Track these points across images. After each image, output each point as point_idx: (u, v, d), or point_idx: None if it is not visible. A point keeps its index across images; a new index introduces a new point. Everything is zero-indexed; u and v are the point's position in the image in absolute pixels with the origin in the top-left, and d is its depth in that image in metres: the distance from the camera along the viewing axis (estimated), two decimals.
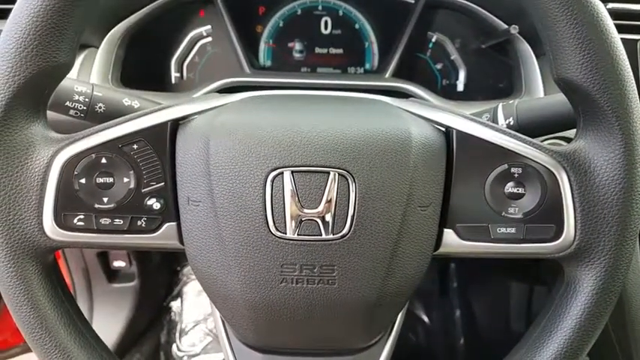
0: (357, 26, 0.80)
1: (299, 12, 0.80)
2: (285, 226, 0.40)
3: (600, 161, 0.40)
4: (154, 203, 0.43)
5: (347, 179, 0.39)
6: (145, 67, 0.77)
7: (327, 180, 0.39)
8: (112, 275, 1.11)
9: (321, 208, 0.39)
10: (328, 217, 0.39)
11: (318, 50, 0.81)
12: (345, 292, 0.40)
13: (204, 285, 0.44)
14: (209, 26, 0.79)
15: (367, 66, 0.80)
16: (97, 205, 0.42)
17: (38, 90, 0.41)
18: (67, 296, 0.45)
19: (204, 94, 0.50)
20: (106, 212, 0.42)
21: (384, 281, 0.41)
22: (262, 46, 0.81)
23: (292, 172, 0.39)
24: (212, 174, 0.40)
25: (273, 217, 0.39)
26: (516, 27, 0.65)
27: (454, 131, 0.42)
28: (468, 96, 0.77)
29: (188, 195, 0.42)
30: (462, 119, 0.43)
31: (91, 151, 0.42)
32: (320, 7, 0.80)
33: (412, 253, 0.41)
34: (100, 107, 0.53)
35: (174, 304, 1.31)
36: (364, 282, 0.40)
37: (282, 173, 0.39)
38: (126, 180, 0.42)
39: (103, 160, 0.42)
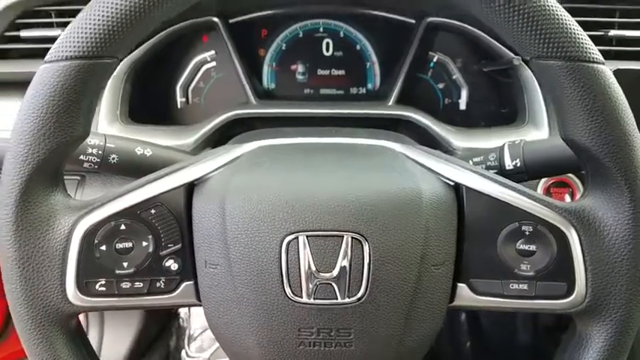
0: (358, 47, 0.81)
1: (301, 34, 0.81)
2: (302, 290, 0.41)
3: (609, 220, 0.41)
4: (172, 264, 0.44)
5: (361, 242, 0.40)
6: (151, 95, 0.78)
7: (342, 243, 0.40)
8: None
9: (336, 271, 0.40)
10: (343, 281, 0.40)
11: (320, 72, 0.82)
12: (363, 354, 0.41)
13: (222, 344, 0.45)
14: (213, 51, 0.79)
15: (369, 86, 0.81)
16: (117, 271, 0.43)
17: (56, 163, 0.42)
18: (92, 357, 0.46)
19: (219, 148, 0.51)
20: (127, 277, 0.43)
21: (400, 341, 0.42)
22: (265, 69, 0.82)
23: (307, 236, 0.40)
24: (228, 238, 0.42)
25: (289, 282, 0.41)
26: (519, 58, 0.66)
27: (464, 188, 0.43)
28: (470, 117, 0.78)
29: (205, 258, 0.43)
30: (471, 174, 0.44)
31: (110, 219, 0.43)
32: (321, 29, 0.81)
33: (427, 311, 0.42)
34: (113, 158, 0.54)
35: (182, 311, 1.33)
36: (381, 343, 0.41)
37: (297, 238, 0.40)
38: (145, 244, 0.43)
39: (122, 227, 0.43)
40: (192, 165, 0.46)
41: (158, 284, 0.44)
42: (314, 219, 0.41)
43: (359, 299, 0.41)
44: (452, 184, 0.44)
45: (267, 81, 0.82)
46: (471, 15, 0.39)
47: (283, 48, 0.81)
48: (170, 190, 0.44)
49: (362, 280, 0.40)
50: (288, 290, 0.41)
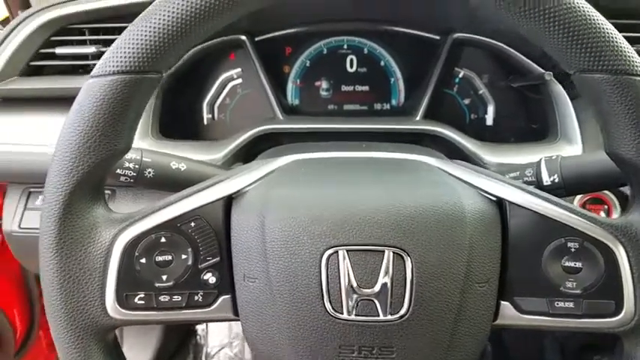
0: (382, 63, 0.81)
1: (325, 51, 0.82)
2: (342, 305, 0.40)
3: None
4: (210, 278, 0.44)
5: (403, 258, 0.40)
6: (178, 111, 0.79)
7: (383, 258, 0.40)
8: None
9: (377, 287, 0.40)
10: (385, 297, 0.40)
11: (344, 88, 0.82)
12: None
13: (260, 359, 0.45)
14: (239, 69, 0.81)
15: (393, 102, 0.82)
16: (157, 284, 0.43)
17: (99, 176, 0.42)
18: None
19: (255, 162, 0.51)
20: (166, 290, 0.43)
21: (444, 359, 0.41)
22: (290, 86, 0.83)
23: (347, 250, 0.40)
24: (268, 252, 0.42)
25: (329, 297, 0.40)
26: (551, 74, 0.66)
27: (507, 203, 0.43)
28: (498, 132, 0.78)
29: (244, 271, 0.43)
30: (513, 189, 0.43)
31: (151, 232, 0.43)
32: (345, 46, 0.82)
33: (471, 330, 0.42)
34: (149, 172, 0.54)
35: (200, 328, 1.33)
36: None
37: (337, 252, 0.40)
38: (184, 257, 0.44)
39: (163, 240, 0.43)
40: (230, 178, 0.46)
41: (196, 298, 0.44)
42: (354, 233, 0.40)
43: (402, 317, 0.40)
44: (494, 199, 0.44)
45: (292, 97, 0.83)
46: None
47: (307, 65, 0.82)
48: (209, 203, 0.44)
49: (404, 297, 0.40)
50: (328, 306, 0.40)
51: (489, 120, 0.79)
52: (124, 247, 0.43)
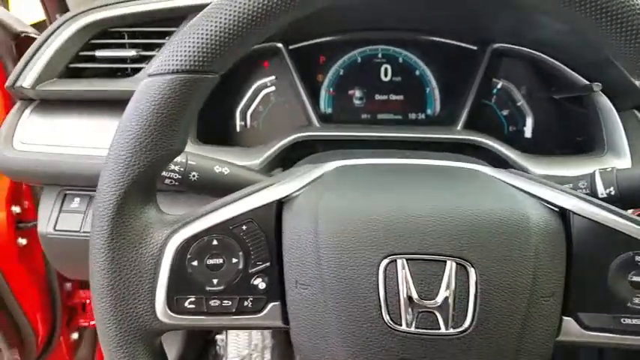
0: (417, 72, 0.81)
1: (359, 60, 0.82)
2: (401, 317, 0.39)
3: None
4: (260, 283, 0.43)
5: (466, 269, 0.39)
6: (211, 118, 0.79)
7: (445, 269, 0.39)
8: None
9: (439, 299, 0.38)
10: (447, 310, 0.38)
11: (378, 97, 0.82)
12: None
13: None
14: (273, 77, 0.80)
15: (429, 111, 0.81)
16: (207, 288, 0.42)
17: (152, 176, 0.42)
18: None
19: (299, 168, 0.50)
20: (216, 294, 0.43)
21: None
22: (323, 94, 0.82)
23: (407, 259, 0.39)
24: (322, 259, 0.41)
25: (387, 308, 0.39)
26: (599, 85, 0.64)
27: (572, 214, 0.41)
28: (537, 145, 0.77)
29: (296, 278, 0.42)
30: (577, 200, 0.42)
31: (203, 234, 0.42)
32: (380, 55, 0.81)
33: (535, 347, 0.40)
34: (193, 175, 0.54)
35: (219, 337, 1.31)
36: None
37: (395, 261, 0.39)
38: (235, 260, 0.43)
39: (214, 242, 0.42)
40: (280, 183, 0.45)
41: (246, 303, 0.43)
42: (414, 242, 0.39)
43: (464, 330, 0.38)
44: (556, 210, 0.42)
45: (325, 105, 0.83)
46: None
47: (341, 73, 0.82)
48: (261, 206, 0.43)
49: (467, 310, 0.38)
50: (386, 317, 0.39)
51: (528, 132, 0.78)
52: (177, 249, 0.42)
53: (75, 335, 1.18)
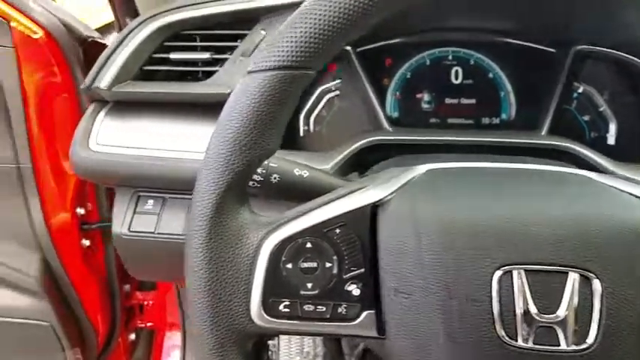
0: (490, 75, 0.78)
1: (427, 62, 0.79)
2: (516, 332, 0.36)
3: None
4: (354, 289, 0.42)
5: (590, 281, 0.36)
6: None
7: (566, 281, 0.36)
8: None
9: (560, 313, 0.36)
10: (568, 325, 0.36)
11: (448, 101, 0.79)
12: None
13: None
14: (338, 80, 0.79)
15: (503, 116, 0.78)
16: (302, 292, 0.42)
17: (248, 176, 0.42)
18: None
19: (383, 171, 0.49)
20: (310, 298, 0.42)
21: None
22: (389, 98, 0.80)
23: (525, 270, 0.37)
24: (426, 267, 0.39)
25: (502, 321, 0.37)
26: None
27: None
28: (622, 152, 0.72)
29: (395, 285, 0.40)
30: None
31: (298, 236, 0.42)
32: (450, 57, 0.79)
33: None
34: (274, 178, 0.53)
35: (271, 343, 1.30)
36: None
37: (511, 272, 0.37)
38: (328, 265, 0.42)
39: (308, 245, 0.42)
40: (371, 187, 0.44)
41: (339, 310, 0.42)
42: (531, 251, 0.37)
43: (588, 347, 0.36)
44: None
45: (391, 110, 0.81)
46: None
47: (408, 76, 0.80)
48: (355, 209, 0.42)
49: (591, 325, 0.36)
50: (500, 331, 0.37)
51: (611, 139, 0.73)
52: (271, 250, 0.41)
53: (132, 336, 1.20)
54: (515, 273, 0.37)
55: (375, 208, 0.42)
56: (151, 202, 0.69)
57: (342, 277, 0.42)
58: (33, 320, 0.98)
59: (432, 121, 0.79)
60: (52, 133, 0.89)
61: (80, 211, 0.96)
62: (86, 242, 1.00)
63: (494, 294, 0.37)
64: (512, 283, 0.37)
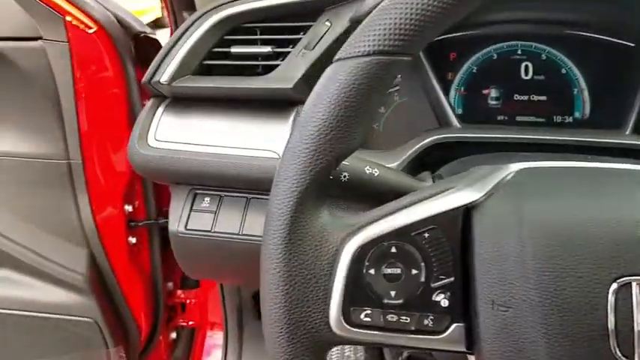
0: (563, 71, 0.73)
1: (495, 57, 0.75)
2: (634, 351, 0.33)
3: None
4: (442, 300, 0.38)
5: None
6: None
7: None
8: None
9: None
10: None
11: (517, 97, 0.75)
12: None
13: None
14: (398, 75, 0.75)
15: (577, 114, 0.73)
16: (385, 300, 0.38)
17: (329, 174, 0.39)
18: None
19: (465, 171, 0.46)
20: (394, 308, 0.38)
21: None
22: (452, 94, 0.76)
23: None
24: (531, 277, 0.35)
25: (617, 339, 0.33)
26: None
27: None
28: None
29: (493, 297, 0.37)
30: None
31: (382, 239, 0.38)
32: (519, 51, 0.74)
33: None
34: (344, 176, 0.50)
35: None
36: None
37: (629, 284, 0.33)
38: (414, 272, 0.39)
39: (393, 250, 0.38)
40: (462, 187, 0.40)
41: (426, 322, 0.38)
42: None
43: None
44: None
45: (455, 106, 0.77)
46: None
47: (474, 71, 0.76)
48: (446, 211, 0.39)
49: None
50: (615, 350, 0.33)
51: None
52: (353, 254, 0.38)
53: (173, 335, 1.19)
54: (634, 286, 0.33)
55: (468, 211, 0.39)
56: (207, 200, 0.66)
57: (429, 286, 0.38)
58: (78, 317, 0.98)
59: (500, 118, 0.75)
60: (102, 129, 0.88)
61: (128, 208, 0.95)
62: (132, 240, 0.99)
63: (610, 309, 0.33)
64: (631, 297, 0.33)
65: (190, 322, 1.19)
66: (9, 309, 0.94)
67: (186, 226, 0.65)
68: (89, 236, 0.94)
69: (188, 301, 1.17)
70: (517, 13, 0.73)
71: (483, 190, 0.40)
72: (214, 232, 0.65)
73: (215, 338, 1.17)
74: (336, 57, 0.37)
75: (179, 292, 1.17)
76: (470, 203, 0.39)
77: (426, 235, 0.38)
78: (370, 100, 0.37)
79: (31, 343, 0.97)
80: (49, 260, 0.95)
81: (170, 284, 1.13)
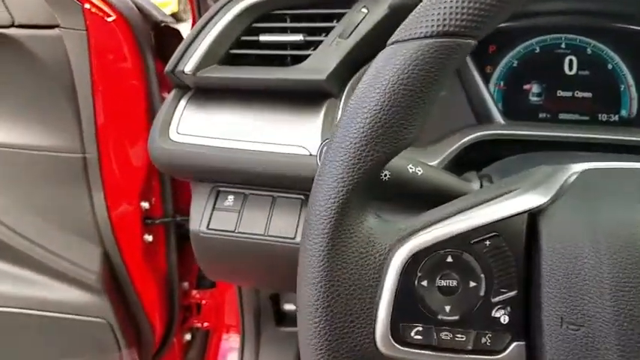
0: (609, 66, 0.68)
1: (537, 50, 0.70)
2: None
3: None
4: (502, 316, 0.34)
5: None
6: None
7: None
8: (281, 318, 1.07)
9: None
10: None
11: (560, 93, 0.70)
12: None
13: None
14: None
15: (623, 112, 0.68)
16: (439, 316, 0.34)
17: (378, 172, 0.35)
18: None
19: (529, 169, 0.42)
20: (448, 325, 0.34)
21: None
22: (491, 88, 0.72)
23: None
24: (607, 293, 0.31)
25: None
26: None
27: None
28: None
29: (562, 314, 0.32)
30: None
31: (437, 247, 0.34)
32: (563, 45, 0.70)
33: None
34: (384, 175, 0.46)
35: None
36: None
37: None
38: (472, 284, 0.34)
39: (449, 259, 0.34)
40: (525, 190, 0.36)
41: (484, 340, 0.34)
42: None
43: None
44: None
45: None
46: None
47: (515, 65, 0.71)
48: (509, 217, 0.34)
49: None
50: None
51: None
52: (404, 263, 0.34)
53: (188, 336, 1.15)
54: None
55: (532, 217, 0.35)
56: (231, 198, 0.63)
57: (489, 301, 0.34)
58: (90, 317, 0.95)
59: (541, 115, 0.71)
60: (119, 122, 0.85)
61: (144, 204, 0.92)
62: (148, 238, 0.95)
63: None
64: None
65: (205, 324, 1.15)
66: (18, 308, 0.91)
67: (208, 225, 0.61)
68: (103, 234, 0.91)
69: (204, 302, 1.14)
70: (562, 3, 0.68)
71: (548, 194, 0.36)
72: (238, 232, 0.61)
73: (231, 341, 1.13)
74: (393, 39, 0.33)
75: (194, 292, 1.13)
76: (535, 208, 0.35)
77: (487, 243, 0.34)
78: (431, 88, 0.33)
79: (40, 344, 0.94)
80: (61, 258, 0.91)
81: (186, 284, 1.10)
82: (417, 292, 0.34)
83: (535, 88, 0.71)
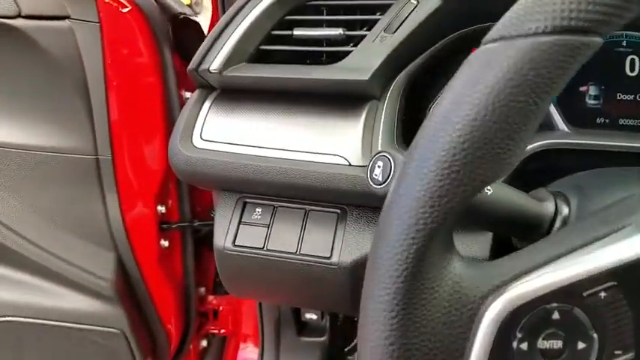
0: None
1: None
2: None
3: None
4: None
5: None
6: (407, 116, 0.65)
7: None
8: (302, 328, 1.01)
9: None
10: None
11: (621, 97, 0.63)
12: None
13: None
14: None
15: None
16: None
17: (467, 205, 0.28)
18: None
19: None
20: None
21: None
22: None
23: None
24: None
25: None
26: None
27: None
28: None
29: None
30: None
31: (543, 301, 0.28)
32: (624, 43, 0.63)
33: None
34: None
35: (350, 359, 1.20)
36: None
37: None
38: (581, 346, 0.28)
39: (555, 315, 0.28)
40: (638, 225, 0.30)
41: None
42: None
43: None
44: None
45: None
46: None
47: None
48: (630, 262, 0.28)
49: None
50: None
51: None
52: (500, 320, 0.28)
53: (204, 343, 1.11)
54: None
55: None
56: (259, 210, 0.57)
57: None
58: (103, 327, 0.90)
59: (599, 120, 0.64)
60: (134, 122, 0.79)
61: (160, 209, 0.86)
62: (165, 243, 0.90)
63: None
64: None
65: (222, 330, 1.10)
66: (28, 317, 0.86)
67: (234, 241, 0.55)
68: (117, 239, 0.85)
69: (221, 308, 1.09)
70: None
71: None
72: (267, 249, 0.55)
73: (248, 351, 1.08)
74: (495, 35, 0.27)
75: (211, 297, 1.08)
76: None
77: (603, 295, 0.28)
78: (545, 99, 0.26)
79: (51, 356, 0.89)
80: (73, 265, 0.86)
81: (202, 289, 1.05)
82: (515, 358, 0.28)
83: (592, 91, 0.64)
